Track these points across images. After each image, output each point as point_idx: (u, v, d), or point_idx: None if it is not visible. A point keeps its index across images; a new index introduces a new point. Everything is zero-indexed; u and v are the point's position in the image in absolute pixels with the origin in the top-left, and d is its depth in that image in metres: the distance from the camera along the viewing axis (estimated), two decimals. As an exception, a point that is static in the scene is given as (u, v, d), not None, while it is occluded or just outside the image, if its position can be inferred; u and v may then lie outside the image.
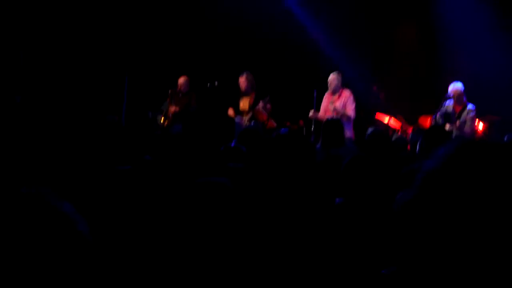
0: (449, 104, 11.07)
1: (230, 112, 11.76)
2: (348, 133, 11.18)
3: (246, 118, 11.43)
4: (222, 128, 7.58)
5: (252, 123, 11.10)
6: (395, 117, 12.91)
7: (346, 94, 11.58)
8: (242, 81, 11.75)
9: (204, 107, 11.62)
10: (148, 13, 14.48)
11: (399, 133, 12.45)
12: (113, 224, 4.17)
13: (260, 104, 11.36)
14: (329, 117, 10.70)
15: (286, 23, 14.96)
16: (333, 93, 11.65)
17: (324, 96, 11.88)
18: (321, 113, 11.68)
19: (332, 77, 11.62)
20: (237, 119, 11.01)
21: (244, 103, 11.71)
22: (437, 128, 6.67)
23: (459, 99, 10.93)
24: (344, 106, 11.46)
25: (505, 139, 8.40)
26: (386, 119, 12.83)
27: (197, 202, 3.38)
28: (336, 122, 7.65)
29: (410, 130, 12.36)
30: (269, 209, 3.42)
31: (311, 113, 11.69)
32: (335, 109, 11.39)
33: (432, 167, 1.67)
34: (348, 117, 11.37)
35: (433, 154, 1.72)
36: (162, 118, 11.92)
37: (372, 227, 4.33)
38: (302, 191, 4.20)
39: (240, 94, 11.84)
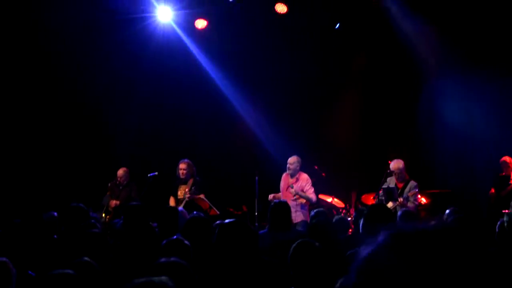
0: (391, 180, 11.12)
1: (172, 201, 11.60)
2: (303, 216, 11.23)
3: (181, 207, 11.27)
4: (165, 220, 7.42)
5: (194, 212, 10.95)
6: (337, 196, 12.93)
7: (304, 177, 11.60)
8: (182, 168, 11.65)
9: (145, 199, 11.45)
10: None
11: (343, 213, 12.44)
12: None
13: (187, 195, 11.25)
14: (291, 199, 10.94)
15: (223, 111, 15.07)
16: (291, 176, 11.66)
17: (282, 178, 11.86)
18: (280, 194, 11.64)
19: (292, 160, 11.62)
20: (180, 209, 10.86)
21: (181, 191, 11.57)
22: (377, 207, 6.61)
23: (400, 175, 11.01)
24: (302, 189, 11.43)
25: (447, 212, 8.43)
26: (329, 199, 12.83)
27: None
28: (283, 205, 7.51)
29: (353, 210, 12.40)
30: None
31: (270, 196, 11.60)
32: (297, 193, 11.35)
33: (365, 256, 1.65)
34: (310, 199, 11.41)
35: (371, 239, 1.69)
36: (103, 213, 11.66)
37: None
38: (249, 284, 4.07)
39: (178, 182, 11.72)
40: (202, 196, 11.33)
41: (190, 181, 11.53)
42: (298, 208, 11.27)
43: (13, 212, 9.61)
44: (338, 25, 14.33)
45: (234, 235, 4.72)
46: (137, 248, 5.64)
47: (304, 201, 11.37)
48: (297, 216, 11.18)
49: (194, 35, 14.73)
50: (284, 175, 11.81)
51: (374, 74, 14.75)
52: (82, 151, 14.20)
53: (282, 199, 11.09)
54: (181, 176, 11.64)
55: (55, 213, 7.77)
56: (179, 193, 11.61)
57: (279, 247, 6.26)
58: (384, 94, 14.67)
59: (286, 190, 11.57)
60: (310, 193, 11.45)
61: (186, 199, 11.28)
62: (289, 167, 11.60)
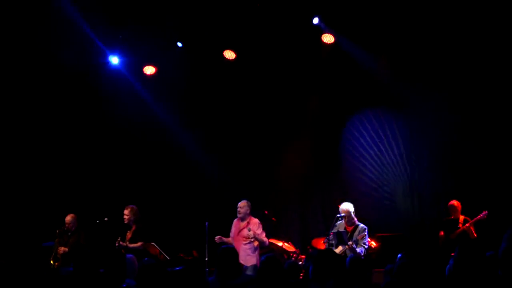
0: (340, 224, 11.16)
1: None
2: (254, 260, 11.29)
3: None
4: (113, 267, 7.33)
5: (145, 258, 10.84)
6: (288, 241, 12.92)
7: (255, 221, 11.63)
8: (125, 214, 11.53)
9: (94, 246, 11.29)
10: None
11: (293, 257, 12.43)
12: None
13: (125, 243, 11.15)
14: (242, 243, 11.21)
15: (173, 154, 15.09)
16: (242, 220, 11.68)
17: (233, 223, 11.85)
18: (230, 239, 11.63)
19: (242, 205, 11.68)
20: (129, 255, 10.74)
21: (127, 237, 11.46)
22: (325, 253, 6.62)
23: (349, 219, 11.05)
24: (253, 233, 11.42)
25: (398, 256, 8.48)
26: (280, 243, 12.81)
27: None
28: (231, 250, 7.47)
29: (303, 256, 12.42)
30: None
31: (216, 238, 11.59)
32: (254, 236, 11.33)
33: None
34: (263, 242, 11.45)
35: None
36: (52, 260, 11.46)
37: None
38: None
39: (126, 228, 11.59)
40: (139, 244, 11.18)
41: (134, 227, 11.41)
42: (249, 252, 11.34)
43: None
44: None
45: (184, 283, 4.69)
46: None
47: (256, 244, 11.39)
48: (248, 260, 11.26)
49: (143, 80, 14.76)
50: (235, 220, 11.83)
51: (326, 116, 14.85)
52: (31, 195, 14.01)
53: (233, 243, 11.27)
54: (125, 222, 11.53)
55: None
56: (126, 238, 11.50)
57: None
58: (335, 137, 14.81)
59: (238, 234, 11.59)
60: (263, 237, 11.49)
61: (124, 245, 11.11)
62: (239, 211, 11.64)
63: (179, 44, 14.17)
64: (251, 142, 15.17)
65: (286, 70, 14.52)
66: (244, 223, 11.62)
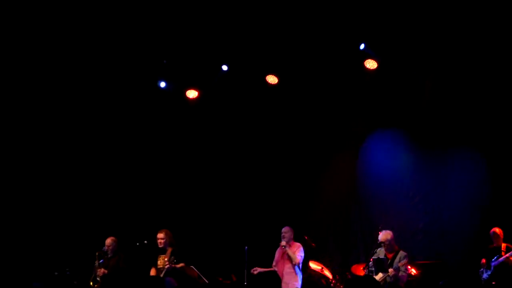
0: (380, 250, 11.12)
1: (152, 272, 11.51)
2: (297, 284, 11.46)
3: (161, 275, 11.21)
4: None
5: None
6: (327, 266, 12.86)
7: (296, 244, 11.84)
8: (160, 238, 11.63)
9: (133, 269, 11.40)
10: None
11: (332, 283, 12.36)
12: None
13: (167, 265, 11.19)
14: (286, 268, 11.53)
15: (215, 177, 15.16)
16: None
17: (277, 251, 11.99)
18: (274, 264, 11.89)
19: (286, 230, 11.86)
20: (168, 279, 10.83)
21: (161, 261, 11.51)
22: (364, 279, 6.58)
23: (389, 246, 11.01)
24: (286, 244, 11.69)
25: (441, 283, 8.43)
26: (319, 267, 12.78)
27: None
28: (273, 275, 7.52)
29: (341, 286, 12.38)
30: None
31: (253, 270, 11.85)
32: (285, 247, 11.61)
33: None
34: (294, 258, 11.56)
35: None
36: (91, 282, 11.55)
37: None
38: None
39: (157, 252, 11.69)
40: (182, 265, 11.27)
41: (169, 250, 11.48)
42: (292, 276, 11.56)
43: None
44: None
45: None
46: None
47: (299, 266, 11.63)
48: (290, 284, 11.50)
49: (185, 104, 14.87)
50: (279, 248, 11.95)
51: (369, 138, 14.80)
52: (70, 218, 14.17)
53: (278, 268, 11.69)
54: (160, 246, 11.60)
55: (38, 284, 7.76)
56: (158, 262, 11.56)
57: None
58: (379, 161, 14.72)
59: (282, 258, 11.79)
60: (297, 255, 11.64)
61: (166, 268, 11.19)
62: (283, 236, 11.78)
63: (224, 68, 14.17)
64: (292, 166, 15.13)
65: (329, 94, 14.49)
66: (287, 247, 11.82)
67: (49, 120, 14.14)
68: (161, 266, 11.39)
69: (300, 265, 11.81)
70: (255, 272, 11.79)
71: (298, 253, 11.70)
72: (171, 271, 11.16)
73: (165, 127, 14.99)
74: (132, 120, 14.73)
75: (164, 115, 14.90)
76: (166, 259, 11.31)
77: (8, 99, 13.64)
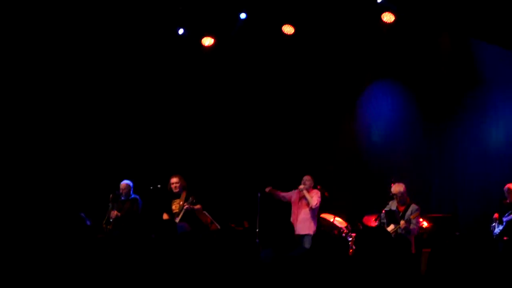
0: (392, 204, 11.18)
1: (165, 216, 11.64)
2: (311, 230, 11.83)
3: (177, 220, 11.29)
4: (165, 233, 7.43)
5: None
6: (340, 216, 12.93)
7: (315, 191, 12.21)
8: (175, 182, 11.69)
9: (147, 213, 11.49)
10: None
11: (344, 233, 12.43)
12: None
13: (186, 206, 11.29)
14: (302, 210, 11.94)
15: (229, 125, 15.17)
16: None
17: (293, 191, 12.34)
18: (284, 194, 12.41)
19: (307, 178, 12.23)
20: (182, 224, 10.91)
21: (176, 205, 11.59)
22: (373, 229, 6.57)
23: (402, 198, 11.06)
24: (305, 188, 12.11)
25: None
26: (331, 218, 12.84)
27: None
28: (287, 224, 7.56)
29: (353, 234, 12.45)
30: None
31: (267, 189, 12.38)
32: (303, 190, 12.03)
33: None
34: (311, 201, 11.99)
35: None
36: (104, 223, 11.66)
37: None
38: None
39: (171, 197, 11.75)
40: (199, 206, 11.35)
41: (184, 194, 11.55)
42: (307, 222, 11.97)
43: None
44: None
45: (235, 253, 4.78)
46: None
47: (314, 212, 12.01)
48: (305, 228, 11.86)
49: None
50: (296, 190, 12.24)
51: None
52: (86, 160, 14.28)
53: (293, 211, 12.11)
54: (174, 190, 11.68)
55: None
56: (173, 207, 11.62)
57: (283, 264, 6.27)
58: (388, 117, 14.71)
59: (299, 202, 12.15)
60: (314, 199, 12.02)
61: (185, 208, 11.26)
62: (304, 182, 12.14)
63: (242, 16, 14.00)
64: (308, 115, 15.10)
65: (345, 47, 14.40)
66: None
67: (69, 64, 14.14)
68: (177, 211, 11.49)
69: (316, 211, 12.08)
70: (267, 190, 12.29)
71: (315, 197, 11.99)
72: (187, 214, 11.26)
73: (180, 73, 14.95)
74: (147, 65, 14.69)
75: (179, 62, 14.84)
76: (181, 202, 11.39)
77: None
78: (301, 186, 12.02)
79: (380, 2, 12.90)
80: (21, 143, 13.64)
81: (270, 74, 15.13)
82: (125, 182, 12.03)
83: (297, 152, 14.90)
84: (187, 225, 11.10)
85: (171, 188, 11.71)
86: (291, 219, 11.97)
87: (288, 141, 15.08)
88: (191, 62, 14.81)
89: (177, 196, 11.63)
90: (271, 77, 15.14)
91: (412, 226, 10.82)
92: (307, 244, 11.11)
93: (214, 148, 15.15)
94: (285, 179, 13.03)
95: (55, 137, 14.02)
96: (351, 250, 10.94)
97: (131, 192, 11.98)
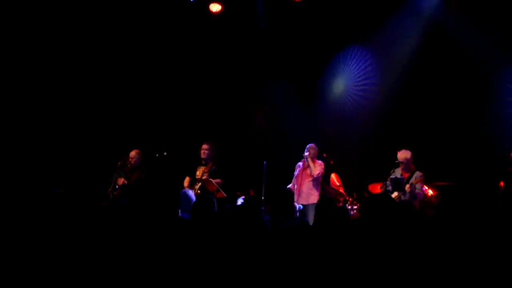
0: (397, 171, 11.20)
1: (186, 181, 11.72)
2: (316, 198, 11.73)
3: (196, 187, 11.36)
4: (167, 201, 7.49)
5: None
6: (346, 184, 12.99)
7: (319, 162, 12.22)
8: (205, 149, 11.72)
9: (151, 181, 11.55)
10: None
11: (349, 201, 12.49)
12: None
13: (205, 177, 11.36)
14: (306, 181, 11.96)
15: (235, 95, 15.18)
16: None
17: (297, 165, 12.30)
18: (292, 183, 12.25)
19: (311, 146, 12.22)
20: (189, 192, 10.97)
21: (200, 172, 11.65)
22: (377, 196, 6.60)
23: (407, 166, 11.08)
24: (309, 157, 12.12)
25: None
26: (338, 183, 12.93)
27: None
28: (287, 193, 7.59)
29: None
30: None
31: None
32: (308, 158, 12.03)
33: None
34: (313, 169, 12.01)
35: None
36: (111, 189, 11.75)
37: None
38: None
39: (197, 163, 11.80)
40: (219, 180, 11.39)
41: (210, 164, 11.60)
42: (312, 190, 11.98)
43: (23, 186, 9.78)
44: None
45: (240, 220, 4.83)
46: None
47: (317, 180, 12.03)
48: (309, 198, 11.89)
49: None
50: (300, 162, 12.23)
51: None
52: (96, 130, 14.37)
53: (297, 181, 12.03)
54: (203, 156, 11.70)
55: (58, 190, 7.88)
56: (197, 173, 11.68)
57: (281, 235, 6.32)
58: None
59: (303, 172, 12.13)
60: (318, 168, 12.03)
61: (205, 178, 11.34)
62: (308, 151, 12.13)
63: None
64: (313, 86, 15.10)
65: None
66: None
67: (72, 34, 14.18)
68: (199, 177, 11.58)
69: (319, 180, 12.12)
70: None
71: (318, 166, 12.03)
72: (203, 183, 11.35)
73: (186, 39, 14.97)
74: (153, 31, 14.72)
75: (186, 28, 14.85)
76: (206, 170, 11.45)
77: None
78: (306, 154, 12.05)
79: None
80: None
81: (276, 41, 15.13)
82: (135, 150, 12.11)
83: (300, 121, 14.88)
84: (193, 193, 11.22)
85: (199, 154, 11.74)
86: (292, 187, 12.09)
87: (291, 109, 15.07)
88: (197, 27, 14.88)
89: (204, 164, 11.69)
90: (277, 44, 15.14)
91: (416, 191, 10.87)
92: (311, 212, 11.20)
93: (219, 115, 15.20)
94: (290, 148, 13.09)
95: (65, 105, 14.15)
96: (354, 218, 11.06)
97: (141, 161, 12.06)
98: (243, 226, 4.88)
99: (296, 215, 11.15)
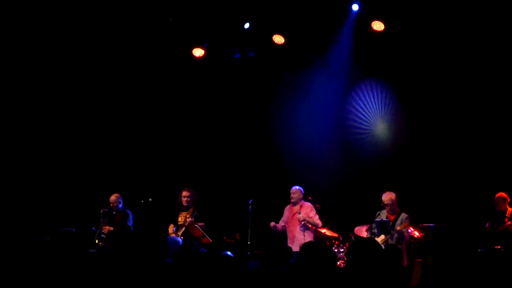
0: (382, 213, 11.18)
1: (170, 228, 11.64)
2: (311, 237, 11.85)
3: (179, 233, 11.28)
4: (154, 248, 7.43)
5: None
6: (331, 228, 12.89)
7: (307, 205, 12.14)
8: (186, 196, 11.64)
9: (138, 227, 11.50)
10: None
11: (336, 243, 12.42)
12: None
13: (189, 220, 11.28)
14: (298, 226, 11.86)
15: (220, 137, 15.18)
16: (294, 205, 12.16)
17: (285, 209, 12.30)
18: (282, 224, 12.17)
19: (294, 190, 12.18)
20: (179, 238, 10.90)
21: (182, 218, 11.55)
22: (363, 241, 6.57)
23: (392, 207, 11.08)
24: (308, 215, 11.97)
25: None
26: (322, 230, 12.83)
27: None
28: (278, 237, 7.58)
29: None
30: None
31: (272, 224, 12.11)
32: (304, 219, 11.89)
33: None
34: (317, 224, 11.99)
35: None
36: (96, 239, 11.64)
37: None
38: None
39: (179, 209, 11.72)
40: (202, 224, 11.32)
41: (191, 209, 11.51)
42: (305, 236, 11.78)
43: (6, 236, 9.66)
44: None
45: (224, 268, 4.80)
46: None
47: (311, 227, 11.98)
48: (306, 237, 11.69)
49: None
50: (287, 206, 12.28)
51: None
52: (75, 175, 14.28)
53: (288, 228, 12.03)
54: (184, 204, 11.62)
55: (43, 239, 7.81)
56: (179, 219, 11.60)
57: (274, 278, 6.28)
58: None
59: (292, 218, 12.07)
60: (316, 219, 12.01)
61: (188, 221, 11.25)
62: (292, 197, 12.11)
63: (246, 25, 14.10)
64: (296, 128, 15.08)
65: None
66: (297, 207, 12.09)
67: (61, 71, 14.20)
68: (182, 223, 11.49)
69: (321, 223, 12.14)
70: (272, 225, 12.07)
71: (315, 217, 12.03)
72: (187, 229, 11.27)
73: (169, 84, 15.02)
74: (138, 77, 14.76)
75: (171, 74, 14.91)
76: (188, 216, 11.36)
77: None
78: (300, 216, 11.88)
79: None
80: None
81: (262, 83, 15.19)
82: (114, 195, 12.04)
83: (287, 162, 14.84)
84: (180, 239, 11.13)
85: (181, 201, 11.67)
86: (280, 228, 12.10)
87: (277, 150, 15.03)
88: (181, 73, 14.90)
89: (185, 209, 11.61)
90: (263, 86, 15.20)
91: (404, 235, 10.87)
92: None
93: (205, 158, 15.15)
94: (277, 190, 13.08)
95: (44, 151, 14.07)
96: (342, 262, 10.98)
97: (121, 204, 11.99)
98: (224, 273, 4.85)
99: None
